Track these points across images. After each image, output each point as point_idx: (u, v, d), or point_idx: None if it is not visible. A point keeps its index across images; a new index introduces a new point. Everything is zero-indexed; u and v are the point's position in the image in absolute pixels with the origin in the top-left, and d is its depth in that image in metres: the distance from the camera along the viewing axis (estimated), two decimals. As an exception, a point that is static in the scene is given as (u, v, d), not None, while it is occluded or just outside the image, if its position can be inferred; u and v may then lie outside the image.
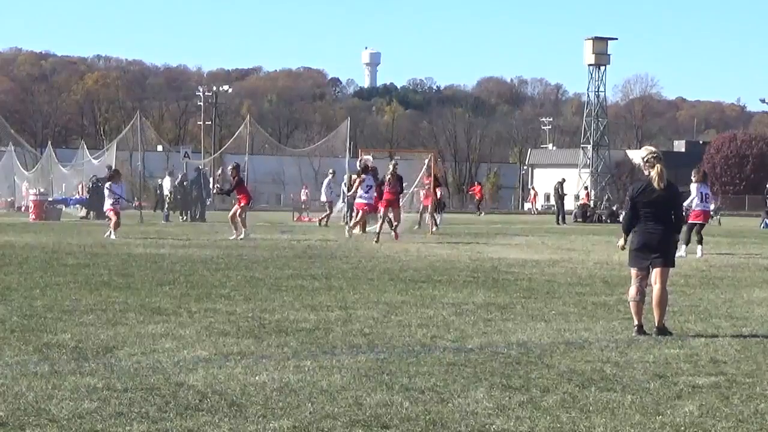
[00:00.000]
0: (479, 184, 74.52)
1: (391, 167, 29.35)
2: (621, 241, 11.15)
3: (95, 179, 46.49)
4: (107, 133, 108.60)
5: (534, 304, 13.30)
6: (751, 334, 11.01)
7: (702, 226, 23.67)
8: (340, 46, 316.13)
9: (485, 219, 56.90)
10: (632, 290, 10.92)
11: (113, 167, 46.52)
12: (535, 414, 7.01)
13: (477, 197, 69.16)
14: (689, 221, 23.09)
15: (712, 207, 25.62)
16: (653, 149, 11.18)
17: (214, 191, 39.46)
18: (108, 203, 28.89)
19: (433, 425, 6.68)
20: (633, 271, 10.99)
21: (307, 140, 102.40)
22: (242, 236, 27.53)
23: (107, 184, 29.35)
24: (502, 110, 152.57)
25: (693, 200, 23.24)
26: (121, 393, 7.39)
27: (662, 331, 10.73)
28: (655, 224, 10.79)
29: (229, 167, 30.17)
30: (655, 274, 10.88)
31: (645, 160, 11.00)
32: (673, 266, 11.08)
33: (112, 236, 27.28)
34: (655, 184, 10.77)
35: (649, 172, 10.86)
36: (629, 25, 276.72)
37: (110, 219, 28.54)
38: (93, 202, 45.78)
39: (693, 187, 23.55)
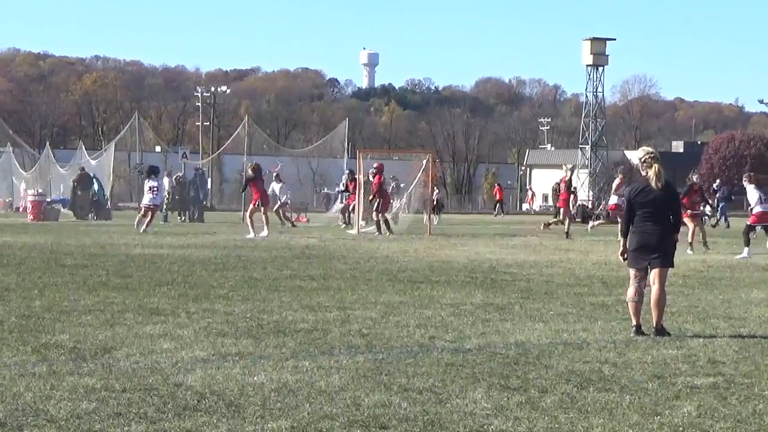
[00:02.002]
0: (499, 185, 74.57)
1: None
2: (620, 248, 11.09)
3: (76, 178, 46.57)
4: (105, 134, 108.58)
5: (532, 304, 13.30)
6: (750, 334, 11.01)
7: (767, 228, 23.78)
8: (338, 46, 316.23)
9: (484, 220, 56.93)
10: (630, 291, 10.92)
11: (84, 168, 46.80)
12: (533, 414, 7.01)
13: (497, 198, 69.36)
14: (754, 223, 23.27)
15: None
16: (650, 149, 11.17)
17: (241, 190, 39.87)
18: (147, 199, 31.33)
19: (431, 426, 6.68)
20: (631, 272, 10.99)
21: (306, 141, 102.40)
22: (249, 236, 28.28)
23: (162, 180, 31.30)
24: (501, 111, 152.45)
25: (755, 203, 23.22)
26: (119, 393, 7.39)
27: (660, 331, 10.73)
28: (653, 225, 10.78)
29: (248, 165, 31.02)
30: (654, 274, 10.88)
31: (642, 160, 10.99)
32: (672, 266, 11.09)
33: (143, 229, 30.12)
34: (653, 184, 10.77)
35: (647, 172, 10.86)
36: (627, 25, 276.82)
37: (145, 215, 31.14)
38: (75, 202, 45.88)
39: (751, 189, 23.48)
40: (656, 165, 10.83)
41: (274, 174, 39.83)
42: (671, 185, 11.04)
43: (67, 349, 9.24)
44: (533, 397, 7.55)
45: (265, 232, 28.79)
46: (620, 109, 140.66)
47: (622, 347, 9.91)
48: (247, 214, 29.98)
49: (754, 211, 23.44)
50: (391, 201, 34.32)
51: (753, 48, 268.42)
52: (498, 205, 68.01)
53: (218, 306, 12.52)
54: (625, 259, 11.08)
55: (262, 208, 29.25)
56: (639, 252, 10.86)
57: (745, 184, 23.88)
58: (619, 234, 11.31)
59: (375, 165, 32.89)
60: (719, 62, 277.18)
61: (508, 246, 26.59)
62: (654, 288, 10.84)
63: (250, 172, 29.84)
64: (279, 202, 37.06)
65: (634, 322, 10.82)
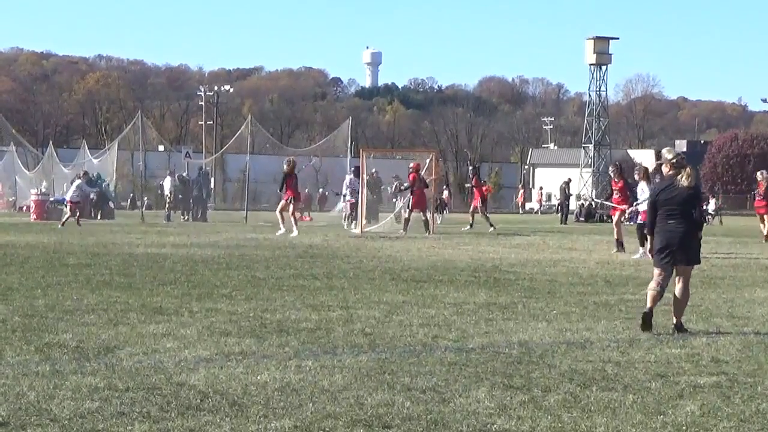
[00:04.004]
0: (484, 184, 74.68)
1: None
2: (648, 246, 11.41)
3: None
4: (108, 133, 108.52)
5: (535, 303, 13.30)
6: (753, 333, 11.02)
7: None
8: (342, 45, 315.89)
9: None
10: (652, 283, 11.12)
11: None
12: (536, 414, 7.01)
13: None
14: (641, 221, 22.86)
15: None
16: (680, 152, 11.55)
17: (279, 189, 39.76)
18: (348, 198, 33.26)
19: (434, 425, 6.68)
20: (656, 270, 11.17)
21: (309, 140, 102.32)
22: (281, 232, 28.72)
23: (350, 180, 32.36)
24: (504, 110, 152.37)
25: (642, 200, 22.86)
26: (122, 393, 7.40)
27: (680, 328, 10.91)
28: (676, 223, 10.99)
29: (285, 161, 30.36)
30: (678, 272, 11.12)
31: (674, 161, 11.16)
32: (698, 263, 11.25)
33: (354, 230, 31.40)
34: (684, 182, 10.97)
35: (679, 172, 11.05)
36: (631, 24, 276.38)
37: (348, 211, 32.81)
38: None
39: (643, 185, 22.98)
40: (689, 167, 11.14)
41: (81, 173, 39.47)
42: (696, 185, 11.30)
43: (70, 348, 9.24)
44: (536, 396, 7.55)
45: (294, 232, 28.71)
46: (623, 108, 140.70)
47: (625, 346, 9.92)
48: (277, 211, 29.92)
49: (642, 209, 22.95)
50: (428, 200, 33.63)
51: (756, 47, 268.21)
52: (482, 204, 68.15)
53: (221, 305, 12.52)
54: (653, 253, 11.34)
55: (291, 207, 29.17)
56: (663, 251, 11.05)
57: (638, 177, 23.45)
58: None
59: (411, 165, 33.01)
60: (722, 61, 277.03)
61: (511, 245, 26.58)
62: (678, 286, 11.06)
63: (286, 167, 29.28)
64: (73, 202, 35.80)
65: (648, 305, 10.92)
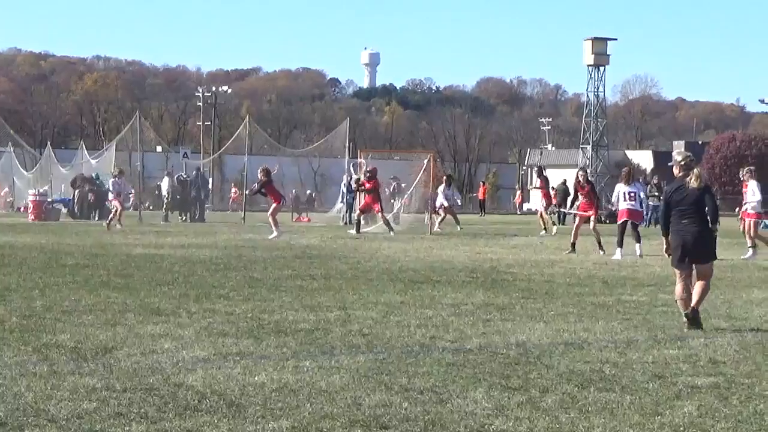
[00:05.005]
0: (483, 184, 74.77)
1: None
2: (664, 246, 11.66)
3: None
4: (106, 134, 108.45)
5: (533, 304, 13.30)
6: (751, 334, 11.03)
7: (634, 225, 22.87)
8: (340, 46, 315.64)
9: (485, 219, 56.93)
10: (678, 288, 11.47)
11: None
12: (534, 414, 7.01)
13: (480, 198, 69.46)
14: (619, 221, 22.92)
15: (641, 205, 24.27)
16: (689, 154, 11.86)
17: (247, 192, 39.74)
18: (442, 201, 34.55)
19: (432, 425, 6.68)
20: (677, 272, 11.52)
21: (307, 141, 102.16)
22: (274, 235, 28.63)
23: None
24: (502, 111, 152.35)
25: (616, 201, 22.93)
26: (120, 393, 7.40)
27: (694, 318, 11.10)
28: (689, 222, 11.31)
29: (259, 169, 30.98)
30: (697, 271, 11.38)
31: (683, 163, 11.55)
32: (715, 259, 11.61)
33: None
34: (694, 183, 11.31)
35: (687, 173, 11.42)
36: (629, 25, 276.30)
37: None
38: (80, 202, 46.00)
39: (620, 187, 23.07)
40: (697, 169, 11.51)
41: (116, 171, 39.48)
42: (707, 185, 11.64)
43: (68, 348, 9.24)
44: (534, 397, 7.55)
45: (273, 234, 29.20)
46: (621, 109, 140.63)
47: (622, 347, 9.92)
48: (269, 214, 30.31)
49: (620, 208, 22.94)
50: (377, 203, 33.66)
51: (755, 48, 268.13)
52: (480, 204, 68.16)
53: (219, 306, 12.52)
54: (669, 255, 11.64)
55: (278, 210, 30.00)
56: (680, 251, 11.37)
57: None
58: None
59: (369, 168, 33.20)
60: (720, 62, 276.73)
61: (509, 246, 26.58)
62: (699, 283, 11.36)
63: (262, 176, 30.02)
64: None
65: (684, 311, 11.26)
